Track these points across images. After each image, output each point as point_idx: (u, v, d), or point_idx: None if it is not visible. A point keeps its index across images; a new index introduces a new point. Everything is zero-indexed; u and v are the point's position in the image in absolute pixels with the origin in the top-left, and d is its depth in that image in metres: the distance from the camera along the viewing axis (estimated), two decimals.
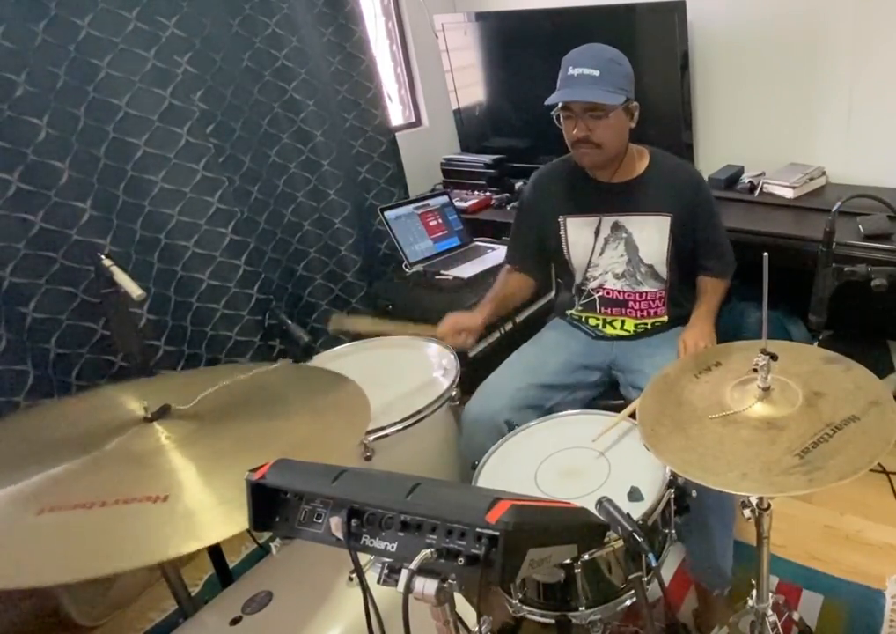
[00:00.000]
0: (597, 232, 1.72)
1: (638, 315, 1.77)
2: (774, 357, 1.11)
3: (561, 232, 1.75)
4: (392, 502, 0.71)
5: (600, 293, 1.77)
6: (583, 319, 1.82)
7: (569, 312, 1.85)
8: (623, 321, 1.78)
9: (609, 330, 1.79)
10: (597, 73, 1.50)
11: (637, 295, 1.75)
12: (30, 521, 0.96)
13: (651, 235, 1.69)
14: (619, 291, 1.75)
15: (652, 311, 1.77)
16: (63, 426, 1.22)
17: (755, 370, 1.13)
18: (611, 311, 1.78)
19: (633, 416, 1.44)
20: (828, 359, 1.26)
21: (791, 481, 0.97)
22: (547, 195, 1.77)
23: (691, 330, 1.69)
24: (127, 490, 1.02)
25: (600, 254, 1.74)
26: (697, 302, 1.77)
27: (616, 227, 1.71)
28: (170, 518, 0.98)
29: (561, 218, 1.74)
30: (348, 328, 1.78)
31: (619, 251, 1.73)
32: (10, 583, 0.89)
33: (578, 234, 1.74)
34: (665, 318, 1.78)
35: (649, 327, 1.78)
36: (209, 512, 0.99)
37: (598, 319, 1.80)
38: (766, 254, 1.05)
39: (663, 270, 1.73)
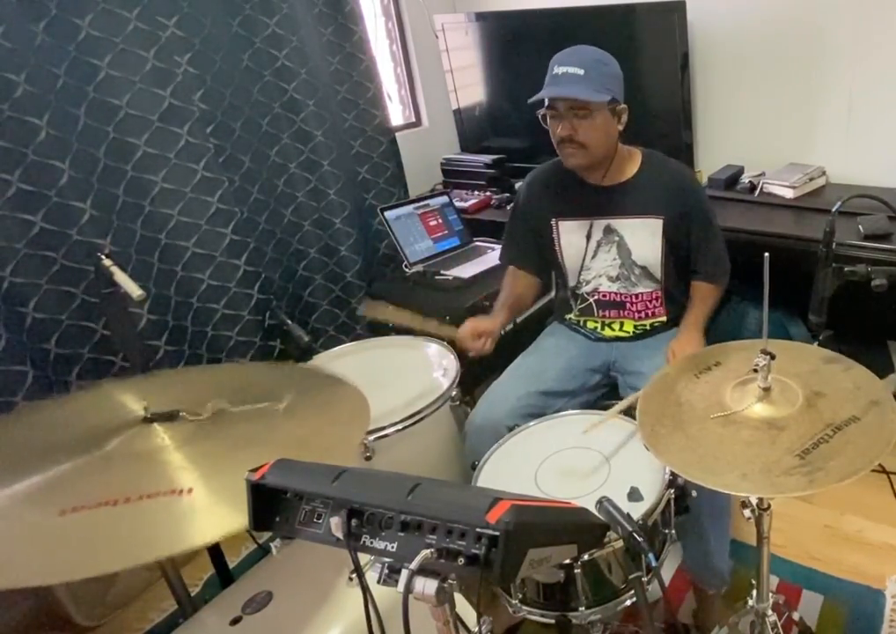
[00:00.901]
0: (588, 236, 1.71)
1: (637, 317, 1.77)
2: (772, 356, 1.11)
3: (554, 235, 1.75)
4: (392, 502, 0.71)
5: (596, 297, 1.77)
6: (582, 322, 1.82)
7: (567, 316, 1.84)
8: (622, 323, 1.78)
9: (608, 332, 1.79)
10: (581, 72, 1.50)
11: (634, 297, 1.75)
12: (55, 522, 0.96)
13: (644, 238, 1.69)
14: (615, 293, 1.75)
15: (650, 311, 1.76)
16: (62, 427, 1.21)
17: (755, 370, 1.13)
18: (609, 313, 1.77)
19: (627, 412, 1.45)
20: (828, 359, 1.25)
21: (792, 481, 0.97)
22: (540, 198, 1.77)
23: (679, 339, 1.68)
24: (149, 485, 1.03)
25: (593, 258, 1.74)
26: (687, 309, 1.76)
27: (608, 230, 1.71)
28: (198, 507, 0.99)
29: (553, 221, 1.74)
30: (378, 316, 1.79)
31: (612, 254, 1.72)
32: (47, 579, 0.91)
33: (570, 237, 1.74)
34: (665, 318, 1.78)
35: (648, 328, 1.78)
36: (233, 499, 1.00)
37: (596, 322, 1.80)
38: (766, 254, 1.05)
39: (657, 271, 1.72)
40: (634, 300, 1.75)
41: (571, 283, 1.79)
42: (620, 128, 1.61)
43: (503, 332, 1.79)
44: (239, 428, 1.20)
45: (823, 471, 0.98)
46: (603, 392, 1.80)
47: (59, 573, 0.90)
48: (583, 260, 1.74)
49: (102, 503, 0.99)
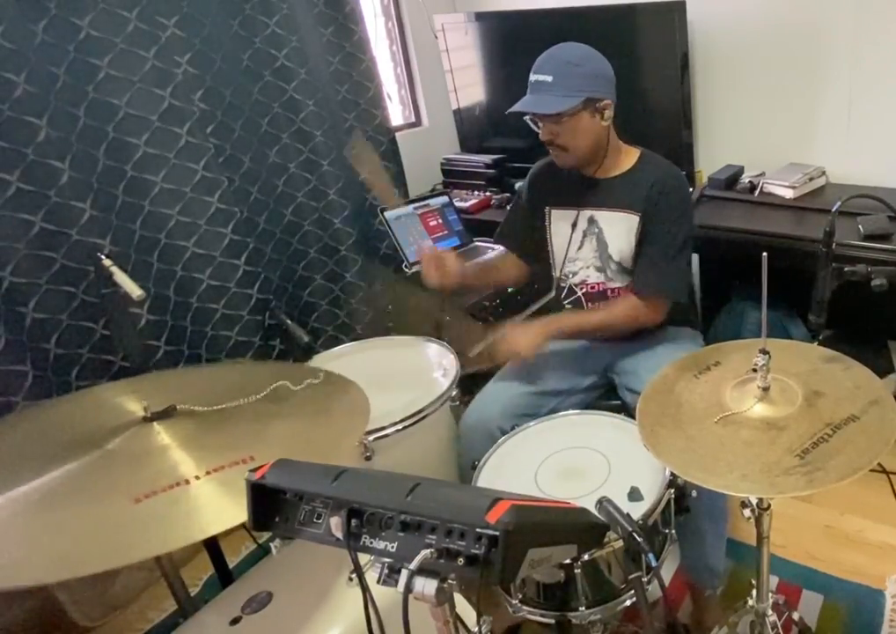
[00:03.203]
0: (574, 225, 1.72)
1: None
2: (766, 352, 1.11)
3: (547, 223, 1.77)
4: (392, 502, 0.71)
5: (584, 289, 1.76)
6: None
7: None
8: None
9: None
10: (549, 79, 1.52)
11: (611, 291, 1.74)
12: (132, 509, 1.00)
13: (620, 232, 1.68)
14: (601, 283, 1.74)
15: None
16: (63, 428, 1.22)
17: (754, 370, 1.13)
18: (598, 306, 1.75)
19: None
20: (828, 358, 1.25)
21: (791, 481, 0.97)
22: (539, 188, 1.79)
23: (515, 327, 1.62)
24: (212, 460, 1.06)
25: (579, 248, 1.74)
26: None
27: (591, 221, 1.71)
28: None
29: (547, 209, 1.76)
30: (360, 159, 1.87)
31: (593, 245, 1.73)
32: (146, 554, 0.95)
33: (559, 226, 1.76)
34: None
35: None
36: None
37: None
38: (765, 254, 1.05)
39: (630, 267, 1.71)
40: (611, 295, 1.73)
41: (556, 273, 1.79)
42: (605, 123, 1.59)
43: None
44: (239, 427, 1.20)
45: (822, 471, 0.98)
46: (600, 392, 1.79)
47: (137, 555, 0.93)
48: (567, 249, 1.74)
49: (171, 485, 1.02)
